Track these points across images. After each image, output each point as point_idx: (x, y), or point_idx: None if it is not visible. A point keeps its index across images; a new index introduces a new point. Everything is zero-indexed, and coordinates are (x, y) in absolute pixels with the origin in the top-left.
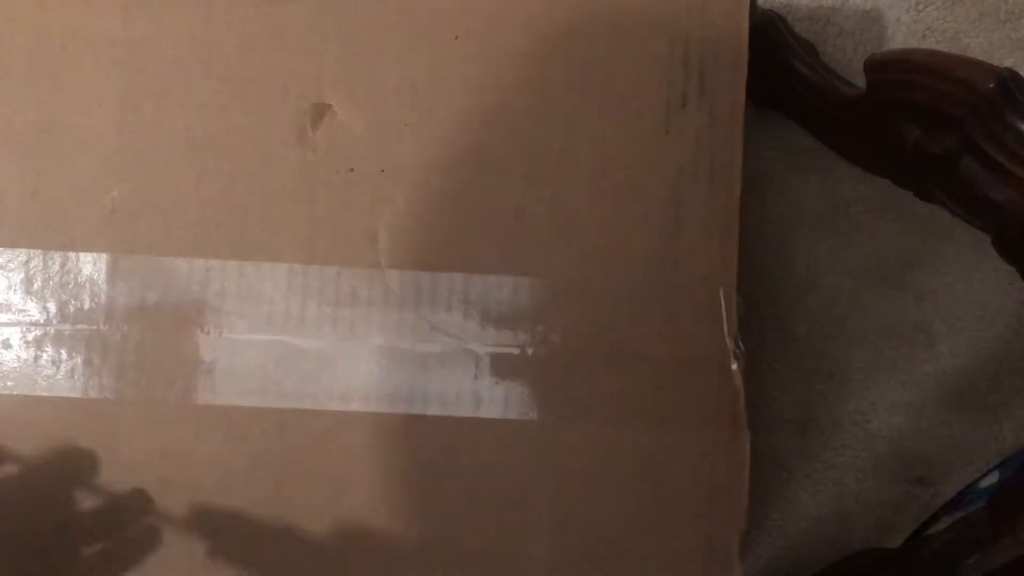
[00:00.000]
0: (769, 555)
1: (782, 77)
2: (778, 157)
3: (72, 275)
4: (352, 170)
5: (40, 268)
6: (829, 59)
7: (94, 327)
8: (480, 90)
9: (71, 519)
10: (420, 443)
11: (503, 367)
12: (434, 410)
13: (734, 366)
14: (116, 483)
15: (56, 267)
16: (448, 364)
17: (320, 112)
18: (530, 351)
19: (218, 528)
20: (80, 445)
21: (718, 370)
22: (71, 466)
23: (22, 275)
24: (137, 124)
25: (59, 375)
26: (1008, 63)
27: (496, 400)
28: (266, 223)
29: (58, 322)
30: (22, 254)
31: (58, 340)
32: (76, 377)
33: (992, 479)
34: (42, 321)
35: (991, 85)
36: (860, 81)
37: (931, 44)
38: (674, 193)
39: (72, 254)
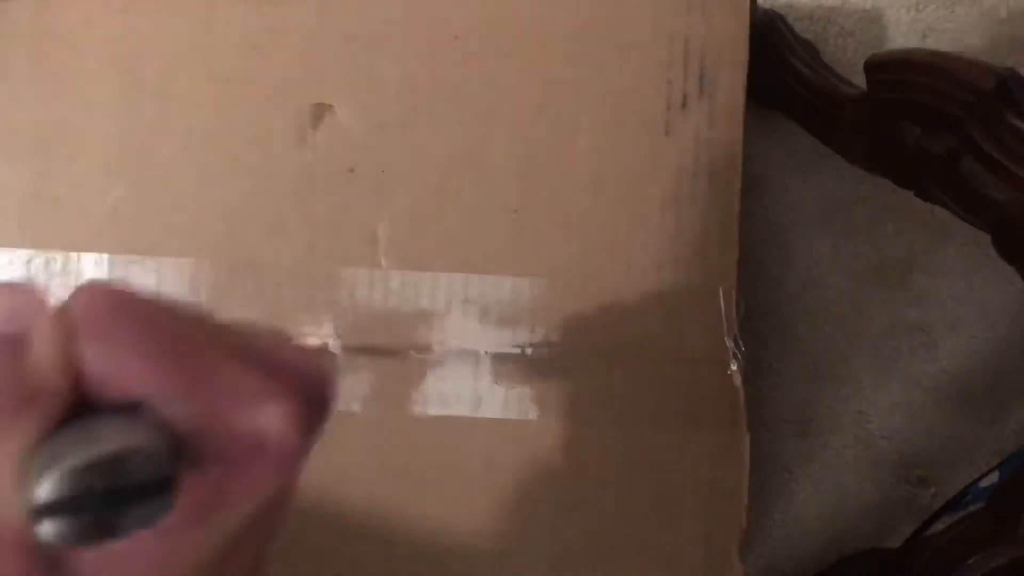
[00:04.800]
0: (769, 555)
1: (782, 77)
2: (778, 157)
3: (73, 275)
4: (352, 170)
5: (42, 268)
6: (830, 59)
7: None
8: (480, 90)
9: None
10: (420, 443)
11: (503, 367)
12: (434, 410)
13: (734, 366)
14: None
15: (58, 267)
16: (448, 364)
17: (320, 112)
18: (530, 351)
19: None
20: None
21: (718, 370)
22: None
23: (23, 275)
24: (137, 125)
25: None
26: (1008, 63)
27: (496, 400)
28: (266, 223)
29: None
30: (23, 254)
31: None
32: None
33: (992, 479)
34: None
35: (991, 85)
36: (861, 81)
37: (931, 44)
38: (674, 193)
39: (73, 254)
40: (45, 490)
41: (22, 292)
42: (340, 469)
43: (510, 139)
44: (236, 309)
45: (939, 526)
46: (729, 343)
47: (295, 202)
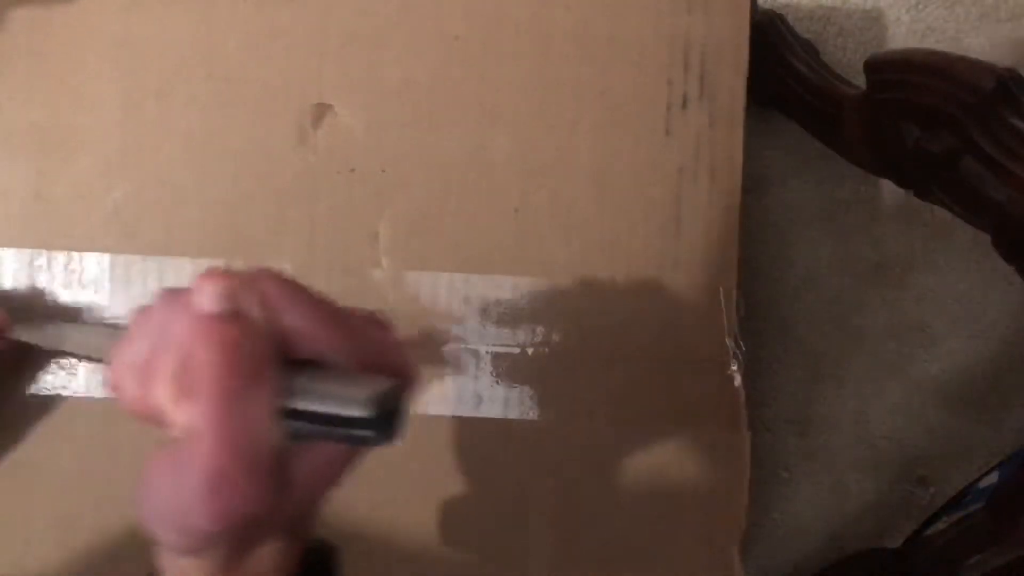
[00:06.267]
0: (769, 555)
1: (782, 77)
2: (778, 157)
3: (76, 274)
4: (353, 170)
5: (44, 268)
6: (829, 59)
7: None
8: (480, 90)
9: None
10: (420, 443)
11: (503, 367)
12: (434, 410)
13: (734, 366)
14: (117, 484)
15: (60, 267)
16: (448, 364)
17: (321, 112)
18: (530, 351)
19: None
20: None
21: (718, 370)
22: None
23: (26, 275)
24: (139, 125)
25: (63, 374)
26: (1008, 63)
27: (496, 400)
28: (268, 223)
29: (62, 321)
30: (26, 254)
31: None
32: (80, 377)
33: (992, 479)
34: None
35: (991, 85)
36: (860, 81)
37: (931, 44)
38: (674, 193)
39: (76, 254)
40: (354, 407)
41: (232, 277)
42: None
43: (511, 139)
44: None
45: (939, 526)
46: (729, 343)
47: (296, 202)
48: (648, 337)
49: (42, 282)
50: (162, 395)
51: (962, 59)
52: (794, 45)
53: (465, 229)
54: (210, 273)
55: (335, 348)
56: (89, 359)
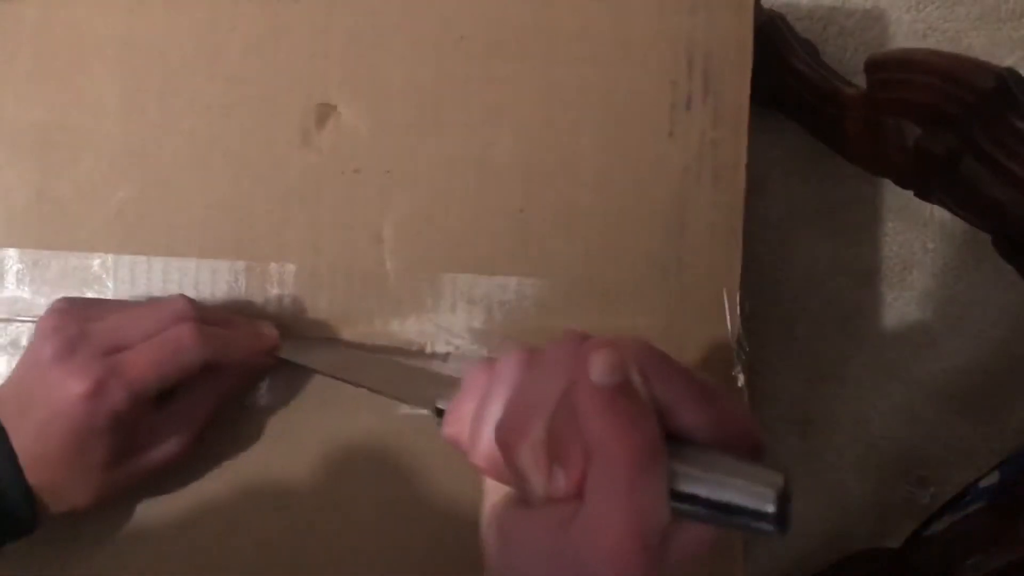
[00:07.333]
0: (769, 555)
1: (783, 77)
2: (779, 157)
3: (79, 275)
4: (357, 171)
5: (47, 269)
6: (830, 59)
7: None
8: (484, 91)
9: None
10: (422, 443)
11: None
12: None
13: (737, 367)
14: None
15: (63, 268)
16: (453, 365)
17: (325, 113)
18: None
19: (224, 526)
20: None
21: (721, 370)
22: None
23: (30, 275)
24: (142, 125)
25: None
26: (1008, 63)
27: None
28: (271, 223)
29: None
30: (29, 255)
31: None
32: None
33: (992, 479)
34: None
35: (991, 85)
36: (861, 81)
37: (931, 44)
38: (678, 194)
39: (79, 254)
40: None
41: (620, 347)
42: (343, 469)
43: (515, 140)
44: (241, 308)
45: (939, 526)
46: (733, 344)
47: (300, 203)
48: (652, 337)
49: (46, 282)
50: (528, 459)
51: (962, 59)
52: (794, 45)
53: (469, 230)
54: (596, 342)
55: (702, 423)
56: (379, 392)
